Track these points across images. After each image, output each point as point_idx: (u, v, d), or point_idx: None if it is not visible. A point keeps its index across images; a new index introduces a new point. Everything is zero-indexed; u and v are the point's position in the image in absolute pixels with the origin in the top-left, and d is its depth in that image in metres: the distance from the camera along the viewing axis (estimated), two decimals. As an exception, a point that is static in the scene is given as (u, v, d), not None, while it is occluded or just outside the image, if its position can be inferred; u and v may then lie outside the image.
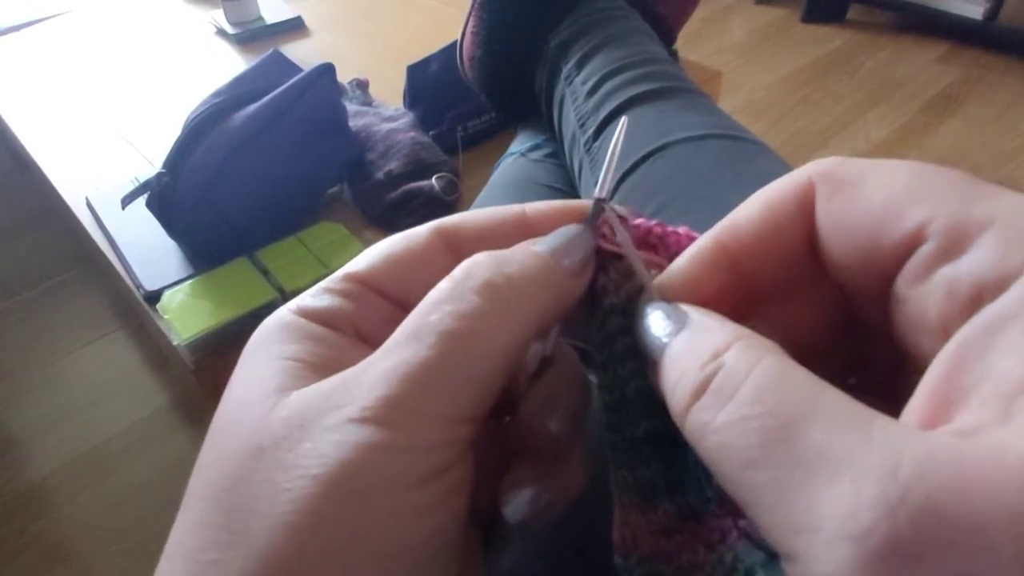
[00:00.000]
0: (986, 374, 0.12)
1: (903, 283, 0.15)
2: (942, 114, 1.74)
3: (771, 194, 0.17)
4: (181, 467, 1.01)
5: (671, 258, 0.19)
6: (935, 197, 0.14)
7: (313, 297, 0.19)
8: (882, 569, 0.10)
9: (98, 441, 1.06)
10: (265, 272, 0.75)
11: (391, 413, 0.15)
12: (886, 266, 0.15)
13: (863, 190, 0.15)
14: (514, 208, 0.21)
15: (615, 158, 0.20)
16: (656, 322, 0.17)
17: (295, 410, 0.16)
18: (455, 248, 0.20)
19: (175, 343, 0.69)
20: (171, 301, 0.71)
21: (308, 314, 0.19)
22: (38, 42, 1.32)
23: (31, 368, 1.18)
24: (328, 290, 0.20)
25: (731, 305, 0.17)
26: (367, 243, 0.79)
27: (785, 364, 0.13)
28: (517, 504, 0.18)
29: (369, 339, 0.19)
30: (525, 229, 0.20)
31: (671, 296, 0.18)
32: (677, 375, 0.15)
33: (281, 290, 0.73)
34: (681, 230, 0.20)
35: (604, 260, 0.19)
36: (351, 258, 0.80)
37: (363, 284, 0.20)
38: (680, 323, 0.16)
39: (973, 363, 0.12)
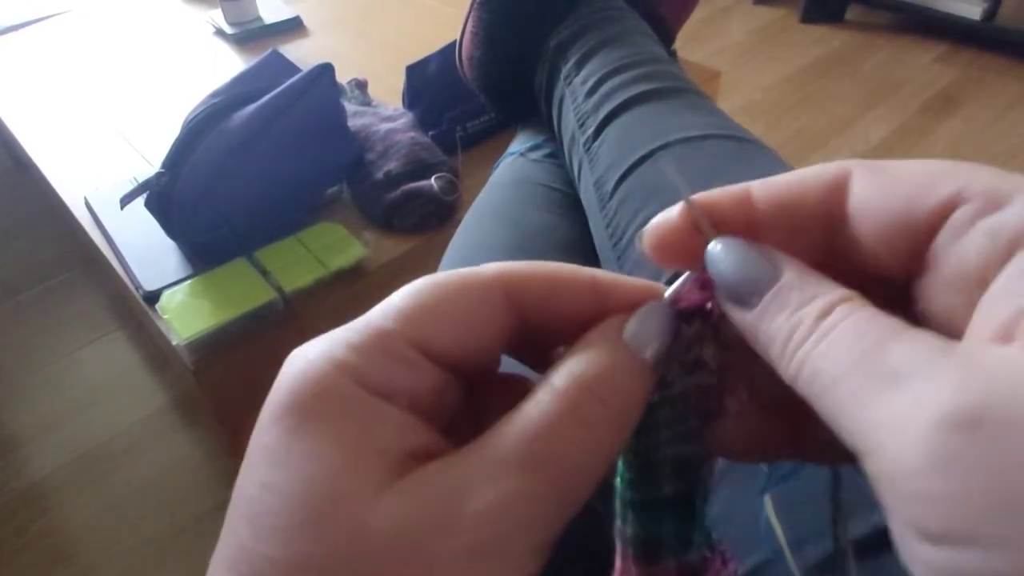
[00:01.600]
0: None
1: (941, 242, 0.16)
2: (941, 114, 1.74)
3: (807, 170, 0.18)
4: (181, 467, 1.02)
5: None
6: (967, 174, 0.15)
7: (366, 358, 0.17)
8: (950, 444, 0.12)
9: (98, 441, 1.06)
10: (264, 272, 0.75)
11: (500, 546, 0.15)
12: (920, 232, 0.16)
13: (898, 171, 0.17)
14: (584, 273, 0.19)
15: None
16: (751, 255, 0.17)
17: (394, 524, 0.15)
18: (518, 301, 0.19)
19: (174, 343, 0.69)
20: (170, 301, 0.71)
21: (365, 382, 0.17)
22: (37, 42, 1.32)
23: (31, 368, 1.18)
24: (384, 352, 0.17)
25: None
26: (366, 243, 0.79)
27: (875, 311, 0.15)
28: None
29: (421, 409, 0.18)
30: (595, 297, 0.19)
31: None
32: (788, 328, 0.16)
33: (280, 290, 0.73)
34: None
35: None
36: (350, 258, 0.80)
37: (418, 348, 0.18)
38: (776, 271, 0.17)
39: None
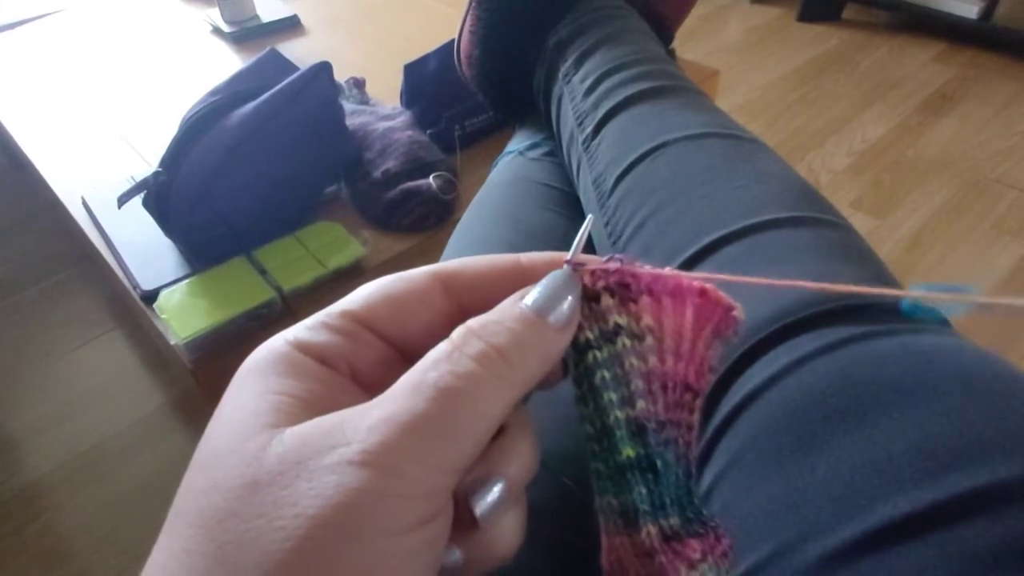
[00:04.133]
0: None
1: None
2: (938, 113, 1.75)
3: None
4: (179, 468, 1.01)
5: (655, 296, 0.21)
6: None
7: (310, 331, 0.20)
8: None
9: (95, 441, 1.06)
10: (263, 271, 0.75)
11: (388, 460, 0.16)
12: None
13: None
14: (509, 257, 0.22)
15: (584, 236, 0.22)
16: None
17: (291, 447, 0.16)
18: (452, 292, 0.21)
19: (172, 343, 0.69)
20: (168, 301, 0.71)
21: (305, 349, 0.19)
22: (33, 40, 1.31)
23: (28, 368, 1.18)
24: (326, 325, 0.20)
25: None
26: (365, 242, 0.79)
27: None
28: (489, 498, 0.19)
29: (362, 379, 0.20)
30: (520, 278, 0.21)
31: None
32: None
33: (279, 289, 0.73)
34: (667, 271, 0.21)
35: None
36: (349, 257, 0.80)
37: (360, 323, 0.20)
38: None
39: None
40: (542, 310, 0.19)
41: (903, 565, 0.22)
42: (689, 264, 0.37)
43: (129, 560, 0.92)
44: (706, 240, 0.37)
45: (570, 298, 0.20)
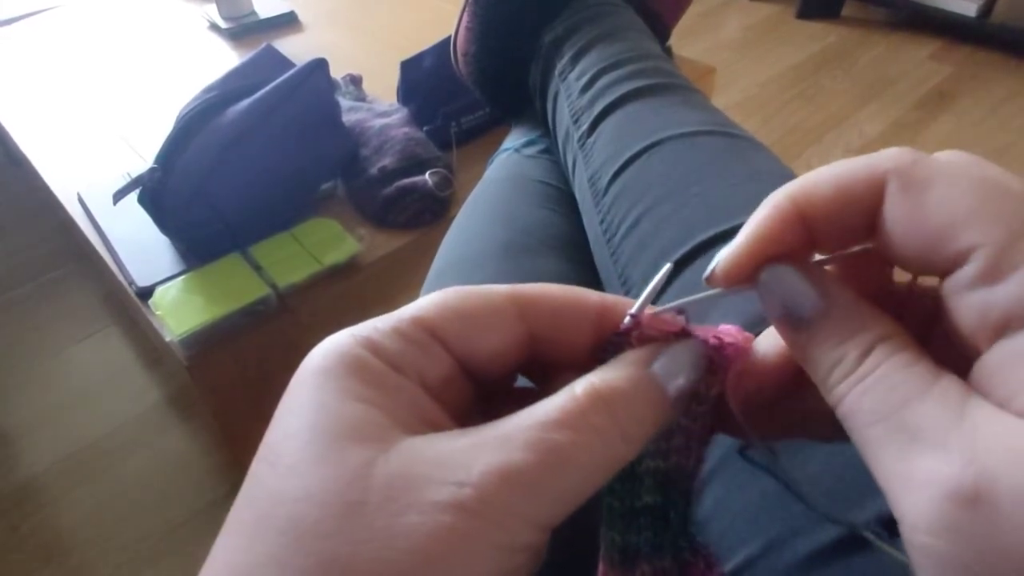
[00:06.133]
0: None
1: (946, 291, 0.17)
2: (935, 110, 1.75)
3: (844, 172, 0.19)
4: (175, 464, 1.01)
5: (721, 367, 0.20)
6: (989, 222, 0.16)
7: (383, 336, 0.19)
8: (952, 515, 0.14)
9: (92, 438, 1.06)
10: (258, 268, 0.75)
11: (499, 513, 0.16)
12: (938, 271, 0.17)
13: (928, 200, 0.17)
14: (594, 296, 0.21)
15: (658, 285, 0.21)
16: (800, 286, 0.18)
17: (398, 471, 0.16)
18: (527, 318, 0.20)
19: (168, 339, 0.69)
20: (163, 297, 0.71)
21: (380, 354, 0.19)
22: (29, 37, 1.31)
23: (23, 365, 1.17)
24: (398, 332, 0.19)
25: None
26: (361, 239, 0.79)
27: (908, 358, 0.17)
28: None
29: (432, 392, 0.19)
30: (600, 321, 0.21)
31: (750, 249, 0.19)
32: (832, 358, 0.18)
33: (274, 286, 0.73)
34: (726, 336, 0.20)
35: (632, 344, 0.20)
36: (344, 253, 0.79)
37: (432, 334, 0.20)
38: (824, 301, 0.18)
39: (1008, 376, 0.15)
40: (667, 383, 0.19)
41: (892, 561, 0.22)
42: (682, 263, 0.37)
43: (125, 557, 0.92)
44: (698, 239, 0.37)
45: (695, 376, 0.19)
